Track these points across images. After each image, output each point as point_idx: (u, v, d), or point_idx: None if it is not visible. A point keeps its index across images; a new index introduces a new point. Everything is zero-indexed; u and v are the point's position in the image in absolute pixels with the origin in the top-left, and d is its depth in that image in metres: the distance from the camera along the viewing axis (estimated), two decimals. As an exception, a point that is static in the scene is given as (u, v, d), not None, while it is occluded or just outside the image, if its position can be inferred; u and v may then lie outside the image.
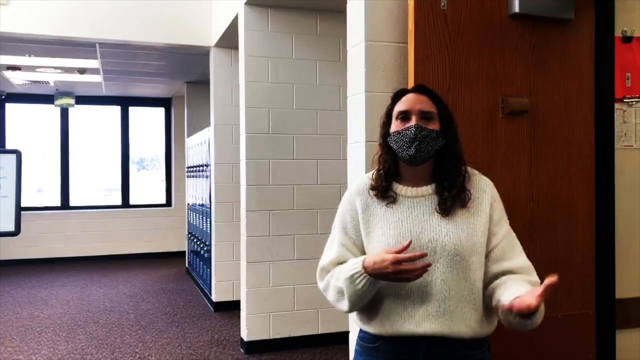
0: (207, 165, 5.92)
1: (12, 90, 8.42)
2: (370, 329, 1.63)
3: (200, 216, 6.44)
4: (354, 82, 2.29)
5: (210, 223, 5.72)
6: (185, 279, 7.44)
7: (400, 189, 1.64)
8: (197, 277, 6.81)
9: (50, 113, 9.06)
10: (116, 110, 9.38)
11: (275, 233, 4.36)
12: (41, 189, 9.27)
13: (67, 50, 5.98)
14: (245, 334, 4.37)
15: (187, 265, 7.87)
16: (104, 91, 8.60)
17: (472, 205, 1.61)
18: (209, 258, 5.85)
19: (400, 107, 1.63)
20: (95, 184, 9.52)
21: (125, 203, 9.35)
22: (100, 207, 9.20)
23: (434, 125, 1.60)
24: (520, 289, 1.50)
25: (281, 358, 4.28)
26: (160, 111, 9.66)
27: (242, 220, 4.39)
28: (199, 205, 6.57)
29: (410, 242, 1.50)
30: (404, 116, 1.62)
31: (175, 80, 7.95)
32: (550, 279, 1.39)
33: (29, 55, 6.21)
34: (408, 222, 1.59)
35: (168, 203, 9.52)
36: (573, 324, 2.27)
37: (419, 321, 1.56)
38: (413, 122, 1.59)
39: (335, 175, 4.40)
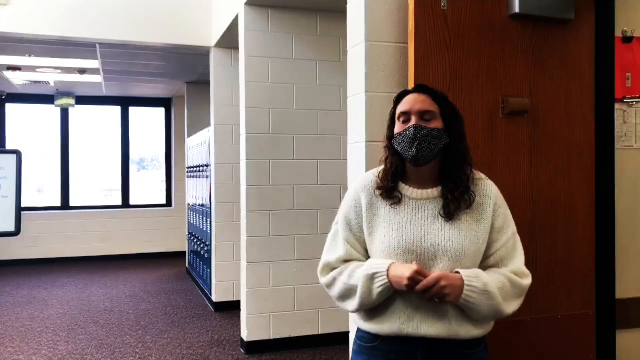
0: (207, 165, 5.92)
1: (12, 90, 8.42)
2: (369, 328, 1.63)
3: (200, 216, 6.44)
4: (354, 82, 2.29)
5: (210, 223, 5.72)
6: (185, 279, 7.44)
7: (405, 189, 1.64)
8: (197, 277, 6.81)
9: (50, 113, 9.06)
10: (116, 110, 9.38)
11: (275, 233, 4.36)
12: (41, 189, 9.27)
13: (67, 50, 5.98)
14: (245, 334, 4.37)
15: (187, 265, 7.87)
16: (104, 91, 8.60)
17: (476, 211, 1.60)
18: (209, 258, 5.85)
19: (401, 108, 1.63)
20: (95, 184, 9.52)
21: (125, 203, 9.35)
22: (100, 207, 9.20)
23: (436, 124, 1.59)
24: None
25: (281, 358, 4.28)
26: (160, 111, 9.66)
27: (242, 220, 4.39)
28: (199, 205, 6.57)
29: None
30: (405, 117, 1.62)
31: (175, 80, 7.95)
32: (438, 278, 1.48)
33: (29, 55, 6.21)
34: (411, 225, 1.59)
35: (168, 203, 9.52)
36: (573, 324, 2.27)
37: (417, 323, 1.56)
38: (412, 122, 1.59)
39: (335, 175, 4.40)
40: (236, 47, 5.14)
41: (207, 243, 6.01)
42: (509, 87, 2.19)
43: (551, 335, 2.24)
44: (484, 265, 1.61)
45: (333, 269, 1.67)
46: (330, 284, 1.67)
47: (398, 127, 1.63)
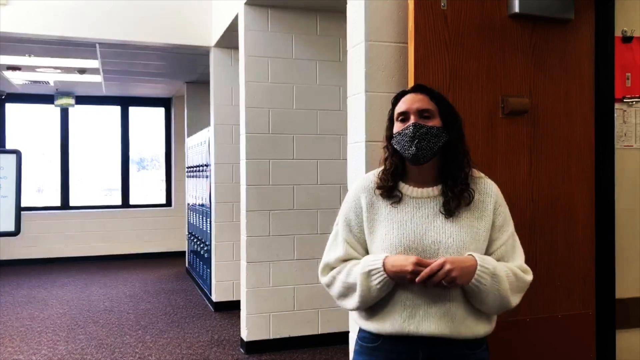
0: (207, 165, 5.92)
1: (12, 90, 8.42)
2: (371, 327, 1.64)
3: (200, 216, 6.44)
4: (354, 82, 2.29)
5: (210, 223, 5.72)
6: (185, 279, 7.44)
7: (406, 188, 1.64)
8: (197, 277, 6.81)
9: (50, 113, 9.06)
10: (116, 110, 9.38)
11: (275, 233, 4.36)
12: (41, 189, 9.27)
13: (67, 50, 5.98)
14: (245, 334, 4.37)
15: (187, 265, 7.87)
16: (104, 91, 8.60)
17: (477, 209, 1.61)
18: (209, 258, 5.85)
19: (399, 108, 1.64)
20: (95, 184, 9.52)
21: (125, 203, 9.35)
22: (100, 207, 9.20)
23: (435, 123, 1.60)
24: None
25: (281, 358, 4.28)
26: (160, 111, 9.66)
27: (242, 220, 4.39)
28: (199, 205, 6.57)
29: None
30: (404, 117, 1.63)
31: (175, 80, 7.95)
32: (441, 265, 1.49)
33: (29, 55, 6.21)
34: (412, 223, 1.59)
35: (168, 203, 9.52)
36: (573, 324, 2.27)
37: (419, 322, 1.56)
38: (411, 121, 1.60)
39: (335, 175, 4.40)
40: (236, 47, 5.15)
41: (207, 243, 6.02)
42: (509, 87, 2.19)
43: (551, 335, 2.24)
44: None
45: (333, 268, 1.67)
46: (330, 284, 1.67)
47: (397, 127, 1.64)
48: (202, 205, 6.31)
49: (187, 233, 7.71)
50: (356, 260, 1.64)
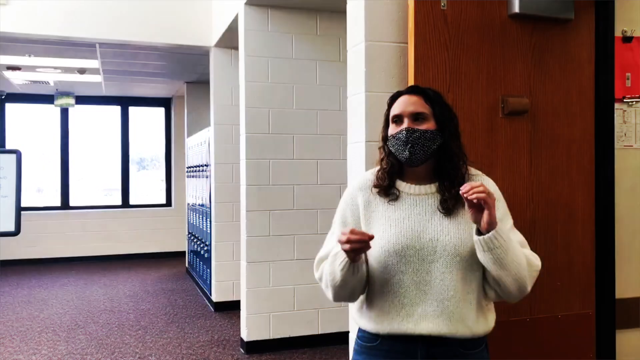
0: (207, 165, 5.92)
1: (12, 90, 8.42)
2: (369, 327, 1.64)
3: (200, 216, 6.44)
4: (354, 82, 2.29)
5: (210, 223, 5.72)
6: (185, 279, 7.44)
7: (403, 186, 1.65)
8: (197, 277, 6.81)
9: (50, 113, 9.07)
10: (116, 110, 9.38)
11: (275, 233, 4.36)
12: (41, 189, 9.27)
13: (67, 50, 5.98)
14: (245, 334, 4.37)
15: (187, 265, 7.87)
16: (104, 91, 8.60)
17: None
18: (209, 258, 5.85)
19: (394, 110, 1.65)
20: (95, 184, 9.52)
21: (125, 203, 9.35)
22: (100, 207, 9.20)
23: (429, 125, 1.60)
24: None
25: (281, 358, 4.28)
26: (160, 111, 9.66)
27: (242, 220, 4.39)
28: (199, 205, 6.57)
29: (372, 236, 1.49)
30: (397, 119, 1.64)
31: (175, 80, 7.95)
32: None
33: (29, 55, 6.21)
34: (410, 220, 1.60)
35: (168, 203, 9.52)
36: (573, 324, 2.27)
37: (417, 321, 1.56)
38: (405, 125, 1.60)
39: (335, 175, 4.40)
40: (236, 47, 5.15)
41: (207, 243, 6.01)
42: (509, 87, 2.19)
43: (551, 335, 2.24)
44: None
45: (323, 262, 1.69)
46: (320, 277, 1.68)
47: (392, 129, 1.64)
48: (202, 205, 6.31)
49: (187, 233, 7.70)
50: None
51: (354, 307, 1.72)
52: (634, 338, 2.45)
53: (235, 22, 4.59)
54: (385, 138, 1.68)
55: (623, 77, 2.44)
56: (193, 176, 6.99)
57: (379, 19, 2.20)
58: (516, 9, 2.16)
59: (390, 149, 1.64)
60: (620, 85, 2.43)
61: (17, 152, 3.10)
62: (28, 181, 8.69)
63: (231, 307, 5.49)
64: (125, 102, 9.34)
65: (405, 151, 1.58)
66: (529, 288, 1.59)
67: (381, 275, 1.60)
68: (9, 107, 8.91)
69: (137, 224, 9.11)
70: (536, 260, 1.62)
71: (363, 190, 1.68)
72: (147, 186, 9.85)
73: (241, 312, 4.45)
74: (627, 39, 2.43)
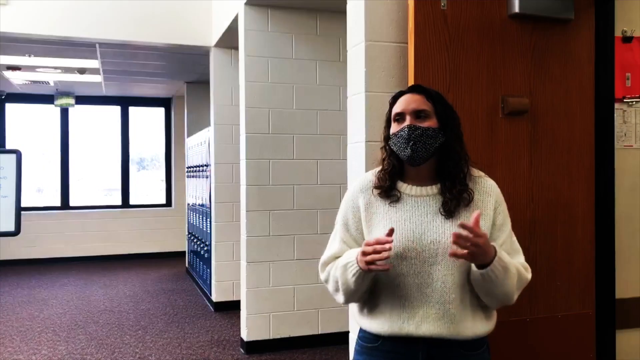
0: (207, 165, 5.92)
1: (12, 90, 8.42)
2: (370, 328, 1.64)
3: (200, 216, 6.44)
4: (354, 82, 2.29)
5: (210, 223, 5.72)
6: (185, 279, 7.44)
7: (404, 187, 1.64)
8: (197, 277, 6.81)
9: (50, 113, 9.07)
10: (116, 110, 9.38)
11: (275, 233, 4.36)
12: (41, 189, 9.27)
13: (67, 50, 5.98)
14: (245, 334, 4.37)
15: (187, 265, 7.87)
16: (104, 91, 8.60)
17: (476, 208, 1.59)
18: (209, 258, 5.85)
19: (396, 109, 1.64)
20: (95, 184, 9.52)
21: (125, 203, 9.35)
22: (100, 207, 9.20)
23: (431, 123, 1.59)
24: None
25: (281, 358, 4.28)
26: (160, 111, 9.66)
27: (242, 220, 4.38)
28: (199, 205, 6.57)
29: (392, 230, 1.49)
30: (399, 117, 1.63)
31: (175, 80, 7.95)
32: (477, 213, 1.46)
33: (29, 55, 6.21)
34: (411, 222, 1.59)
35: (168, 203, 9.52)
36: (573, 324, 2.27)
37: (418, 323, 1.56)
38: (407, 122, 1.59)
39: (335, 175, 4.40)
40: (236, 47, 5.14)
41: (207, 243, 6.01)
42: (509, 87, 2.19)
43: (551, 335, 2.24)
44: None
45: (328, 265, 1.69)
46: (326, 280, 1.69)
47: (394, 128, 1.64)
48: (202, 205, 6.31)
49: (187, 233, 7.70)
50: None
51: (355, 308, 1.72)
52: (634, 338, 2.45)
53: (235, 22, 4.59)
54: (387, 138, 1.67)
55: (623, 77, 2.44)
56: (193, 176, 6.99)
57: (379, 19, 2.20)
58: (516, 8, 2.16)
59: (392, 147, 1.63)
60: (620, 85, 2.43)
61: (17, 152, 3.10)
62: (28, 181, 8.69)
63: (231, 307, 5.48)
64: (125, 102, 9.34)
65: (407, 149, 1.57)
66: (514, 300, 1.60)
67: (383, 277, 1.59)
68: (9, 107, 8.91)
69: (137, 224, 9.10)
70: (527, 274, 1.62)
71: (364, 192, 1.67)
72: (147, 186, 9.84)
73: (241, 312, 4.45)
74: (627, 39, 2.43)
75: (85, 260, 8.74)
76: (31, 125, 9.17)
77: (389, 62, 2.20)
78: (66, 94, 8.68)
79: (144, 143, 9.86)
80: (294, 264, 4.40)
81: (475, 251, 1.45)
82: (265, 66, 4.33)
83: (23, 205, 3.28)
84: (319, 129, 4.44)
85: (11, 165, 3.06)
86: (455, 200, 1.58)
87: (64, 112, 9.10)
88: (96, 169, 9.51)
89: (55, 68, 6.90)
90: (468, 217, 1.58)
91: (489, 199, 1.63)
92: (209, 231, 5.87)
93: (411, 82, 2.08)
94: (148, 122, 9.72)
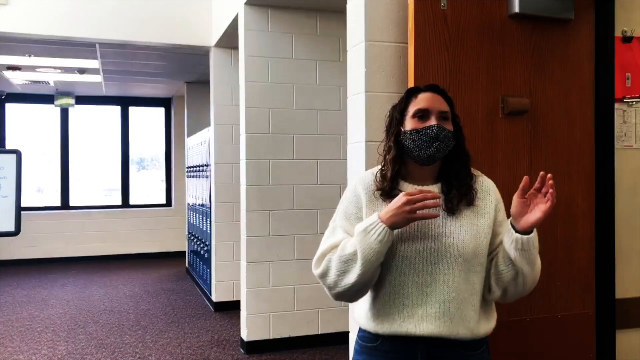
0: (207, 165, 5.92)
1: (12, 90, 8.42)
2: (370, 327, 1.63)
3: (200, 216, 6.44)
4: (354, 82, 2.29)
5: (210, 223, 5.72)
6: (185, 279, 7.44)
7: (406, 186, 1.63)
8: (197, 277, 6.81)
9: (50, 113, 9.06)
10: (116, 110, 9.38)
11: (275, 233, 4.36)
12: (41, 189, 9.27)
13: (67, 50, 5.98)
14: (245, 334, 4.37)
15: (187, 265, 7.87)
16: (104, 91, 8.60)
17: (477, 206, 1.61)
18: (209, 258, 5.85)
19: (418, 105, 1.60)
20: (95, 184, 9.52)
21: (125, 203, 9.35)
22: (100, 207, 9.20)
23: (449, 126, 1.61)
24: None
25: (281, 358, 4.28)
26: (160, 111, 9.66)
27: (242, 220, 4.39)
28: (199, 205, 6.57)
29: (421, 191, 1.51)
30: (423, 114, 1.59)
31: (175, 80, 7.95)
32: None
33: (29, 55, 6.21)
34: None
35: (168, 203, 9.52)
36: (573, 324, 2.27)
37: (418, 322, 1.55)
38: (433, 121, 1.58)
39: (335, 175, 4.40)
40: (236, 47, 5.14)
41: (207, 243, 6.01)
42: (509, 87, 2.19)
43: (551, 335, 2.24)
44: (491, 258, 1.61)
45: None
46: (325, 270, 1.58)
47: (413, 124, 1.59)
48: (202, 205, 6.31)
49: (187, 233, 7.70)
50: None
51: (354, 307, 1.72)
52: (634, 338, 2.45)
53: (235, 22, 4.59)
54: (398, 133, 1.63)
55: (623, 77, 2.44)
56: (193, 176, 6.99)
57: (379, 19, 2.20)
58: (516, 8, 2.16)
59: (407, 143, 1.59)
60: (620, 85, 2.42)
61: (17, 152, 3.10)
62: (28, 181, 8.68)
63: (231, 307, 5.48)
64: (125, 102, 9.34)
65: (430, 148, 1.56)
66: (532, 288, 1.64)
67: (383, 276, 1.59)
68: (9, 107, 8.91)
69: (137, 224, 9.10)
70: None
71: (366, 189, 1.65)
72: (147, 186, 9.84)
73: (241, 312, 4.45)
74: (627, 39, 2.43)
75: (85, 260, 8.73)
76: (31, 125, 9.17)
77: (389, 62, 2.20)
78: (66, 94, 8.68)
79: (144, 143, 9.86)
80: (294, 264, 4.40)
81: (552, 205, 1.50)
82: (265, 66, 4.33)
83: (23, 205, 3.28)
84: (319, 129, 4.44)
85: (11, 165, 3.06)
86: (458, 198, 1.59)
87: (64, 112, 9.10)
88: (96, 169, 9.51)
89: (55, 68, 6.90)
90: (469, 217, 1.59)
91: (489, 198, 1.64)
92: (209, 231, 5.87)
93: (411, 82, 2.08)
94: (148, 122, 9.72)
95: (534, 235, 1.52)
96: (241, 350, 4.43)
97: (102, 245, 8.92)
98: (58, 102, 8.73)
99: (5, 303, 6.09)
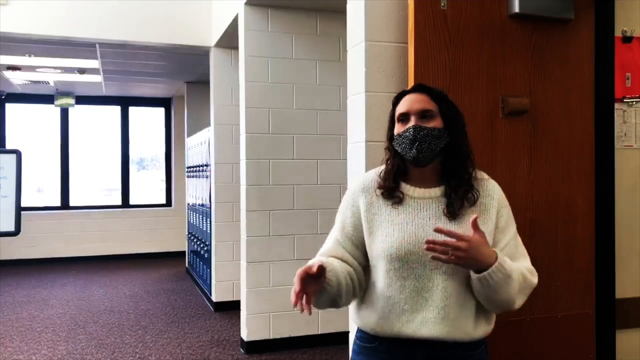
0: (207, 165, 5.92)
1: (12, 90, 8.42)
2: (368, 329, 1.63)
3: (200, 216, 6.44)
4: (354, 82, 2.29)
5: (210, 223, 5.72)
6: (185, 279, 7.44)
7: (407, 189, 1.61)
8: (197, 277, 6.81)
9: (50, 113, 9.06)
10: (116, 110, 9.38)
11: (275, 233, 4.36)
12: (41, 189, 9.27)
13: (67, 50, 5.98)
14: (245, 334, 4.37)
15: (187, 265, 7.87)
16: (104, 91, 8.60)
17: (480, 211, 1.58)
18: (209, 258, 5.85)
19: (400, 109, 1.61)
20: (95, 184, 9.52)
21: (125, 203, 9.35)
22: (100, 207, 9.20)
23: (436, 123, 1.57)
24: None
25: (281, 358, 4.28)
26: (160, 111, 9.66)
27: (242, 220, 4.39)
28: (199, 205, 6.57)
29: (320, 267, 1.50)
30: (404, 118, 1.60)
31: (175, 80, 7.95)
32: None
33: (29, 55, 6.21)
34: (413, 225, 1.57)
35: (168, 203, 9.52)
36: (573, 324, 2.27)
37: (417, 326, 1.55)
38: (412, 122, 1.57)
39: (335, 175, 4.40)
40: (236, 47, 5.14)
41: (207, 243, 6.01)
42: (509, 87, 2.19)
43: (551, 335, 2.24)
44: None
45: None
46: None
47: (398, 128, 1.61)
48: (202, 205, 6.31)
49: (187, 233, 7.70)
50: (332, 258, 1.62)
51: (353, 308, 1.72)
52: (634, 338, 2.45)
53: (235, 22, 4.59)
54: (391, 138, 1.64)
55: (623, 77, 2.44)
56: (193, 176, 6.99)
57: (379, 19, 2.20)
58: (516, 8, 2.16)
59: (397, 148, 1.60)
60: (620, 85, 2.42)
61: (17, 152, 3.10)
62: (28, 181, 8.68)
63: (231, 307, 5.48)
64: (125, 102, 9.34)
65: (412, 150, 1.54)
66: (518, 306, 1.57)
67: (383, 279, 1.58)
68: (9, 107, 8.91)
69: (137, 224, 9.11)
70: (533, 278, 1.59)
71: (365, 192, 1.65)
72: (147, 186, 9.84)
73: (241, 312, 4.45)
74: (627, 39, 2.43)
75: (85, 260, 8.73)
76: (31, 125, 9.17)
77: (389, 62, 2.20)
78: (66, 94, 8.68)
79: (144, 143, 9.86)
80: (294, 264, 4.40)
81: (462, 256, 1.43)
82: (265, 66, 4.33)
83: (23, 205, 3.28)
84: (319, 129, 4.44)
85: (11, 165, 3.07)
86: (460, 201, 1.56)
87: (64, 112, 9.10)
88: (96, 169, 9.51)
89: (55, 68, 6.90)
90: (471, 222, 1.56)
91: (491, 202, 1.60)
92: (209, 231, 5.87)
93: (411, 82, 2.08)
94: (148, 122, 9.72)
95: (487, 273, 1.47)
96: (241, 350, 4.43)
97: (102, 245, 8.92)
98: (58, 102, 8.73)
99: (5, 303, 6.09)
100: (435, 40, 2.09)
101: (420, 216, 1.58)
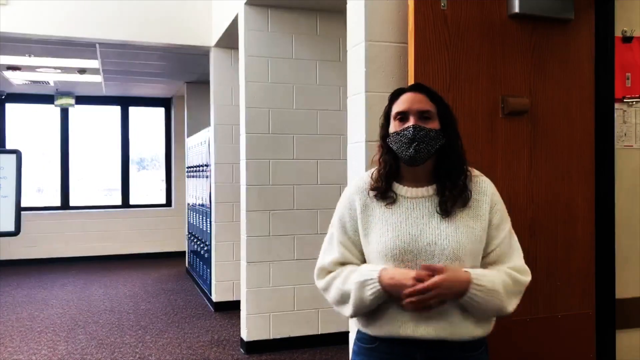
0: (207, 165, 5.92)
1: (12, 90, 8.42)
2: (368, 330, 1.63)
3: (200, 216, 6.44)
4: (354, 82, 2.29)
5: (210, 223, 5.72)
6: (185, 279, 7.44)
7: (400, 189, 1.62)
8: (197, 277, 6.81)
9: (50, 113, 9.06)
10: (116, 110, 9.38)
11: (275, 233, 4.36)
12: (41, 189, 9.27)
13: (67, 50, 5.98)
14: (245, 334, 4.37)
15: (187, 265, 7.87)
16: (104, 91, 8.60)
17: (473, 208, 1.59)
18: (209, 258, 5.85)
19: (398, 107, 1.61)
20: (95, 184, 9.52)
21: (125, 203, 9.35)
22: (100, 207, 9.20)
23: (433, 124, 1.58)
24: (486, 271, 1.56)
25: (281, 358, 4.28)
26: (160, 111, 9.66)
27: (242, 220, 4.39)
28: (199, 205, 6.58)
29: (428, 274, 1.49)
30: (402, 116, 1.59)
31: (175, 80, 7.95)
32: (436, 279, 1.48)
33: (29, 55, 6.21)
34: (407, 224, 1.57)
35: (168, 203, 9.52)
36: (573, 324, 2.27)
37: (416, 325, 1.55)
38: (411, 122, 1.57)
39: (335, 175, 4.40)
40: (236, 47, 5.14)
41: (207, 243, 6.02)
42: (509, 87, 2.19)
43: (551, 335, 2.24)
44: (484, 262, 1.60)
45: (329, 272, 1.65)
46: (326, 289, 1.65)
47: (395, 126, 1.60)
48: (202, 205, 6.31)
49: (187, 233, 7.70)
50: (353, 266, 1.62)
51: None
52: (634, 338, 2.45)
53: (235, 22, 4.59)
54: (385, 136, 1.64)
55: (623, 77, 2.44)
56: (193, 176, 6.99)
57: (379, 19, 2.20)
58: (516, 9, 2.16)
59: (392, 146, 1.60)
60: (620, 85, 2.43)
61: (17, 152, 3.10)
62: (28, 181, 8.68)
63: (231, 307, 5.48)
64: (125, 102, 9.34)
65: (409, 149, 1.55)
66: (511, 309, 1.58)
67: None
68: (9, 107, 8.91)
69: (137, 224, 9.11)
70: (524, 277, 1.59)
71: (360, 194, 1.65)
72: (147, 186, 9.84)
73: (241, 312, 4.45)
74: (627, 39, 2.43)
75: (85, 260, 8.73)
76: (31, 125, 9.17)
77: (389, 62, 2.20)
78: (66, 94, 8.68)
79: (144, 143, 9.86)
80: (294, 264, 4.40)
81: (439, 296, 1.47)
82: (265, 66, 4.33)
83: (23, 205, 3.28)
84: (319, 129, 4.44)
85: (11, 165, 3.07)
86: (453, 199, 1.56)
87: (64, 112, 9.10)
88: (96, 169, 9.51)
89: (55, 68, 6.90)
90: (464, 219, 1.57)
91: (484, 199, 1.61)
92: (209, 231, 5.87)
93: (411, 82, 2.07)
94: (148, 122, 9.72)
95: (465, 298, 1.50)
96: (241, 350, 4.43)
97: (102, 245, 8.92)
98: (58, 102, 8.73)
99: (5, 303, 6.09)
100: (435, 40, 2.09)
101: (414, 215, 1.58)
